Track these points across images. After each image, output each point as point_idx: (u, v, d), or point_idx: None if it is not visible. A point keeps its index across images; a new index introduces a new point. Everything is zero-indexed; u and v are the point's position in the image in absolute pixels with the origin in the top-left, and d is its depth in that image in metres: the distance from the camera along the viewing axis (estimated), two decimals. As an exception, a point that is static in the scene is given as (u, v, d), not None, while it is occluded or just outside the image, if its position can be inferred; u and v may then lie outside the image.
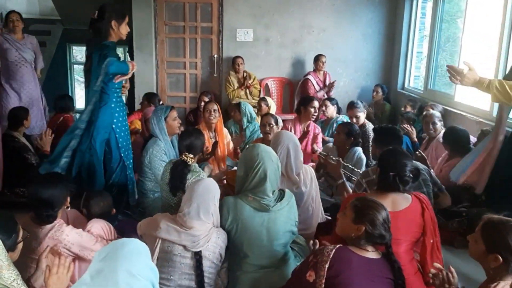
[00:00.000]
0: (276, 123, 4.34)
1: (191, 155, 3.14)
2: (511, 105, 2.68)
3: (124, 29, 3.55)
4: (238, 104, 5.29)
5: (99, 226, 2.75)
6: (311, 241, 2.46)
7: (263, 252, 2.58)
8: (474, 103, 4.95)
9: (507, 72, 4.17)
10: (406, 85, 6.97)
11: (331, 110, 5.48)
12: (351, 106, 5.14)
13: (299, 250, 2.84)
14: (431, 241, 2.43)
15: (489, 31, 4.88)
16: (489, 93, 2.87)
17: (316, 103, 4.94)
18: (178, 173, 3.04)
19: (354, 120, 5.02)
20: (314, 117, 4.97)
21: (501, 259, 1.87)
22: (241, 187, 2.69)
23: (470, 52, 5.25)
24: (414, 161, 3.36)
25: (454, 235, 3.42)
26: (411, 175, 2.46)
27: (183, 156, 3.11)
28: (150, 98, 5.56)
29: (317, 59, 6.75)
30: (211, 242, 2.44)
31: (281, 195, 2.68)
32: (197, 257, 2.41)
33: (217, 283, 2.57)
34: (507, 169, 3.27)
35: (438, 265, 2.17)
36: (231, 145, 4.77)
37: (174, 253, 2.41)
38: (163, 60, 7.16)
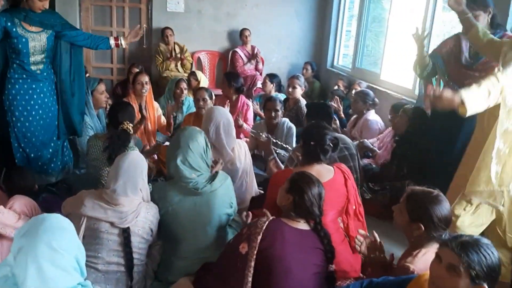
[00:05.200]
0: (211, 98, 4.27)
1: (131, 124, 3.01)
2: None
3: (35, 3, 3.19)
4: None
5: (22, 203, 2.59)
6: (244, 213, 2.48)
7: (197, 237, 2.54)
8: (398, 81, 5.20)
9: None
10: (335, 63, 7.14)
11: (269, 87, 5.51)
12: (293, 76, 5.21)
13: (236, 227, 2.83)
14: (354, 207, 2.58)
15: (414, 12, 5.08)
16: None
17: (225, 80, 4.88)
18: (119, 142, 2.91)
19: (290, 89, 5.06)
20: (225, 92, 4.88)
21: (423, 227, 1.99)
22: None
23: (396, 33, 5.47)
24: (340, 135, 3.52)
25: (378, 208, 3.62)
26: (330, 144, 2.57)
27: (124, 124, 2.97)
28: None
29: (242, 33, 6.89)
30: (140, 217, 2.38)
31: (213, 177, 2.63)
32: (125, 234, 2.34)
33: (150, 259, 2.53)
34: (426, 146, 3.49)
35: (363, 231, 2.27)
36: (162, 119, 4.64)
37: (101, 230, 2.32)
38: (88, 29, 6.74)
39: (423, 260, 1.92)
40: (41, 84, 3.40)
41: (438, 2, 4.57)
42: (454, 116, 3.07)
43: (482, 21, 2.88)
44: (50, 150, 3.53)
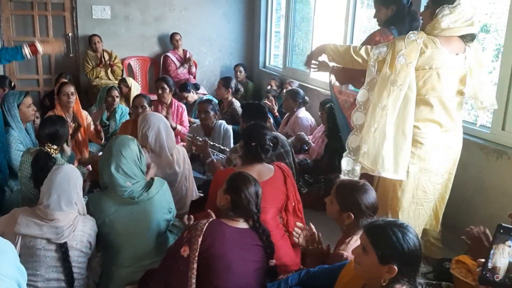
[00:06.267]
0: (150, 104, 4.22)
1: (55, 146, 2.93)
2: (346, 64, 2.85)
3: None
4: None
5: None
6: (186, 216, 2.49)
7: (137, 245, 2.53)
8: (326, 79, 5.39)
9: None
10: (267, 64, 7.29)
11: (192, 97, 5.57)
12: (221, 78, 5.37)
13: (177, 232, 2.83)
14: (293, 204, 2.68)
15: (338, 10, 5.31)
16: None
17: (162, 84, 4.84)
18: (41, 167, 2.80)
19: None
20: (164, 98, 4.85)
21: (352, 216, 2.13)
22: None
23: (321, 31, 5.69)
24: (276, 133, 3.63)
25: (315, 200, 3.77)
26: (271, 144, 2.66)
27: (46, 147, 2.88)
28: (0, 81, 4.99)
29: (172, 37, 6.89)
30: (77, 231, 2.34)
31: (149, 184, 2.63)
32: (63, 249, 2.30)
33: (91, 272, 2.49)
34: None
35: (300, 224, 2.37)
36: (93, 127, 4.52)
37: (37, 247, 2.26)
38: (10, 39, 6.47)
39: (355, 246, 2.05)
40: None
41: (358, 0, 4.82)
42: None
43: (385, 15, 3.08)
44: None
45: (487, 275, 1.29)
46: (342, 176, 2.62)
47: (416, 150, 2.59)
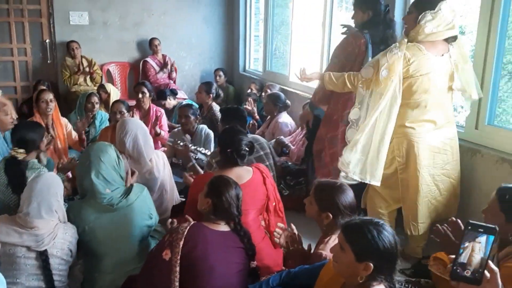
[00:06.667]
0: (128, 110, 4.21)
1: (21, 150, 2.90)
2: (343, 91, 3.07)
3: None
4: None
5: None
6: (169, 221, 2.48)
7: (119, 251, 2.53)
8: (305, 83, 5.44)
9: (330, 55, 4.72)
10: (247, 68, 7.32)
11: (169, 104, 5.60)
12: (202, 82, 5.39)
13: (159, 237, 2.83)
14: (274, 203, 2.71)
15: (315, 15, 5.37)
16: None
17: (142, 89, 4.83)
18: (14, 172, 2.79)
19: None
20: (143, 103, 4.83)
21: (331, 216, 2.17)
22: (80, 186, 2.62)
23: (300, 35, 5.74)
24: (255, 135, 3.65)
25: (297, 201, 3.80)
26: (246, 149, 2.68)
27: (12, 151, 2.86)
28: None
29: (151, 42, 6.88)
30: (58, 238, 2.34)
31: (128, 190, 2.62)
32: (43, 256, 2.29)
33: (73, 279, 2.48)
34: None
35: (281, 224, 2.41)
36: (74, 135, 4.49)
37: (17, 255, 2.26)
38: (-14, 47, 6.39)
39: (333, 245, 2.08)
40: None
41: (335, 2, 4.87)
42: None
43: (361, 18, 3.23)
44: None
45: (458, 270, 1.32)
46: (342, 180, 2.81)
47: (415, 150, 2.81)
